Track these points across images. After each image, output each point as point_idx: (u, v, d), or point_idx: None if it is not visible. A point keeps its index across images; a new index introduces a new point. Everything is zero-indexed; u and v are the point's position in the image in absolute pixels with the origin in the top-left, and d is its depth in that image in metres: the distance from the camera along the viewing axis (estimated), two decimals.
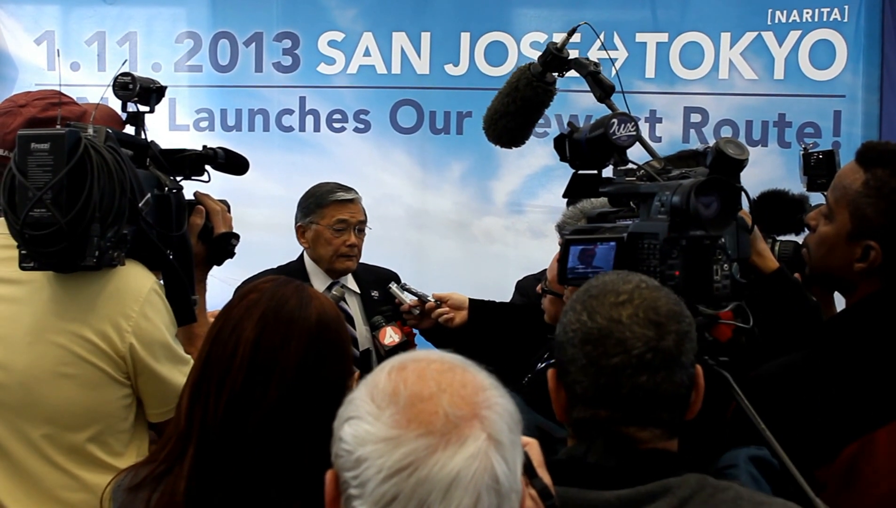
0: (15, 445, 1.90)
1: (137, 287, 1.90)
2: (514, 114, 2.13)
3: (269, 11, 4.63)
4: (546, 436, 1.60)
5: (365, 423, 0.97)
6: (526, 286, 3.41)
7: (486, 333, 2.93)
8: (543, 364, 2.66)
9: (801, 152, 2.47)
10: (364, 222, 3.21)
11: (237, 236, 2.25)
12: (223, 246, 2.23)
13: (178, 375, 1.88)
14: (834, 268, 1.89)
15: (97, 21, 4.65)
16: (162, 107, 2.19)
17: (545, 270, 2.79)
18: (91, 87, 4.40)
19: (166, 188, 2.03)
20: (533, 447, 1.14)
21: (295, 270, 3.20)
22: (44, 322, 1.87)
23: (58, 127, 1.82)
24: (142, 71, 4.45)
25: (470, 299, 2.97)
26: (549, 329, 2.67)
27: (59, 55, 4.52)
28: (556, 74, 2.11)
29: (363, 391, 1.00)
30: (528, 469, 1.07)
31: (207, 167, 2.25)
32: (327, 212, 3.15)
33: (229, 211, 2.29)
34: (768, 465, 1.56)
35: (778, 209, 2.53)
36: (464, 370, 1.01)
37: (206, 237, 2.21)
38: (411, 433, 0.94)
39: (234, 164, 2.29)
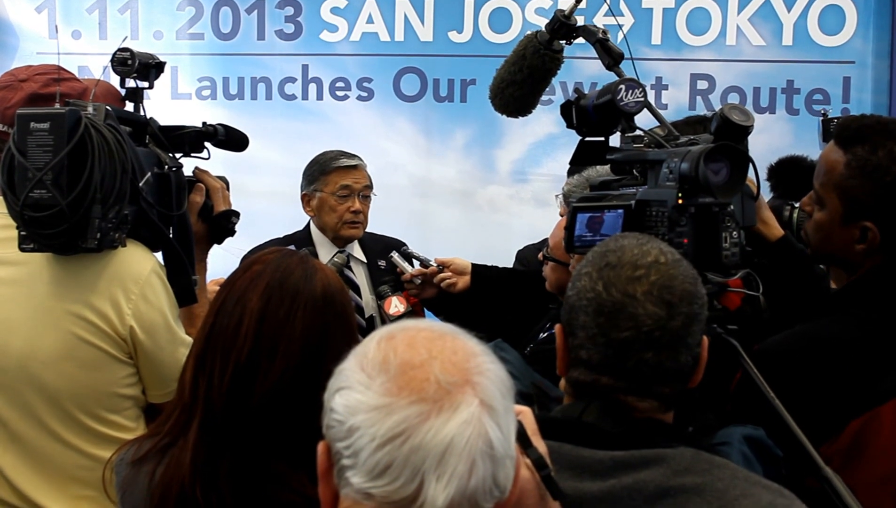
0: (25, 427, 1.89)
1: (138, 269, 1.89)
2: (521, 83, 2.11)
3: None
4: (542, 394, 1.61)
5: (356, 392, 0.95)
6: (527, 256, 3.40)
7: (488, 298, 2.93)
8: (546, 334, 2.65)
9: (821, 119, 2.45)
10: (369, 189, 3.20)
11: (237, 214, 2.23)
12: (223, 224, 2.21)
13: (179, 357, 1.86)
14: (836, 251, 1.88)
15: None
16: (164, 76, 2.16)
17: (547, 239, 2.78)
18: (92, 55, 4.37)
19: (166, 166, 2.01)
20: (526, 415, 1.12)
21: (301, 239, 3.20)
22: (43, 304, 1.86)
23: (57, 106, 1.79)
24: (143, 39, 4.45)
25: (473, 264, 2.97)
26: (550, 298, 2.67)
27: (57, 31, 4.46)
28: (563, 42, 2.08)
29: (353, 361, 0.99)
30: (522, 438, 1.06)
31: (207, 144, 2.22)
32: (331, 179, 3.14)
33: (228, 188, 2.27)
34: (763, 446, 1.55)
35: (796, 176, 2.50)
36: (454, 338, 1.00)
37: (206, 216, 2.19)
38: (403, 401, 0.93)
39: (233, 140, 2.27)
